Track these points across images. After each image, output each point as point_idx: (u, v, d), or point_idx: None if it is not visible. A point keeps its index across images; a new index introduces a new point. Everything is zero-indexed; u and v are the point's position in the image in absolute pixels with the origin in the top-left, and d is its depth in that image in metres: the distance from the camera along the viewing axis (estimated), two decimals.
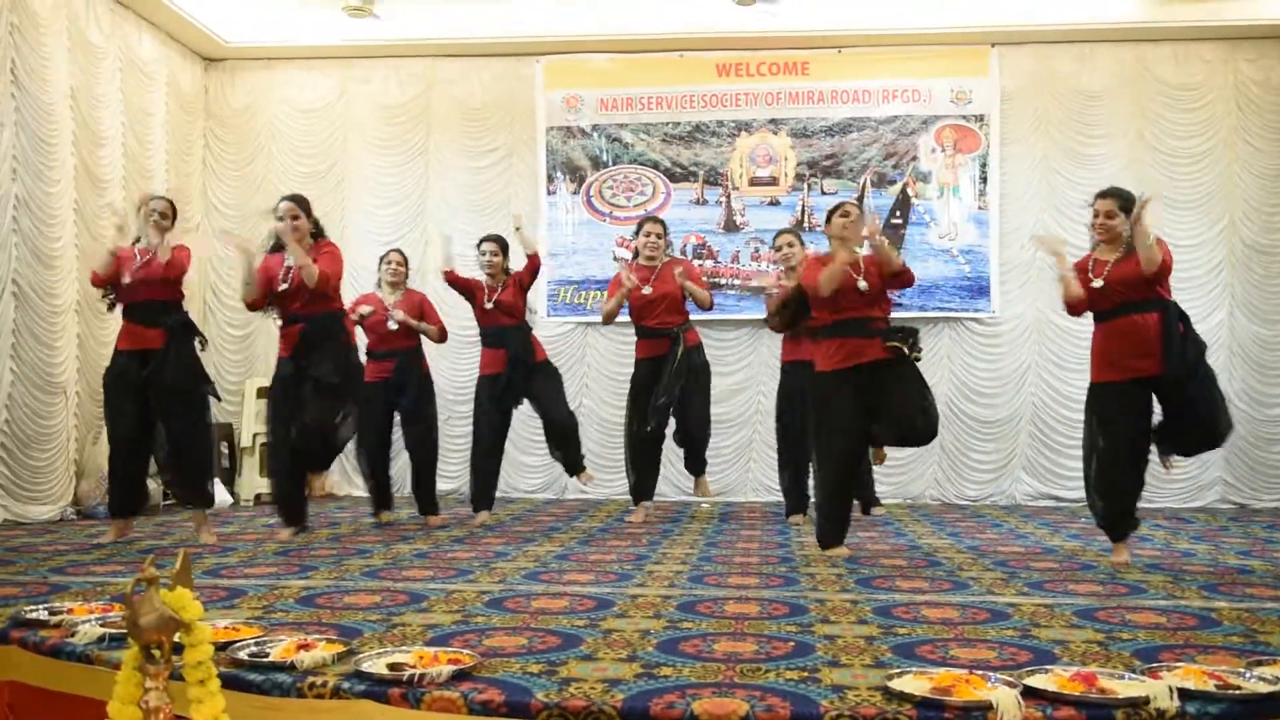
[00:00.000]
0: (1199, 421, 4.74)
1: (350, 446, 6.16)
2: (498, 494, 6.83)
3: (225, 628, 3.02)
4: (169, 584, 2.07)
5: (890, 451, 5.42)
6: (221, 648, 2.63)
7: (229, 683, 2.41)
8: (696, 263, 8.67)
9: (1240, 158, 8.46)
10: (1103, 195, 4.91)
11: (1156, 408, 4.85)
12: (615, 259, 8.74)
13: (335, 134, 9.08)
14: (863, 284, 4.91)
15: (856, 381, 4.90)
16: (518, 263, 6.61)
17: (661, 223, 6.59)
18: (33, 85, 6.74)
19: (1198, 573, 4.55)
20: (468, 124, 9.01)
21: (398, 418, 6.57)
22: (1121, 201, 4.83)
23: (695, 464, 6.70)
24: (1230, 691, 2.38)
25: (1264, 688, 2.41)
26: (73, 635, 2.98)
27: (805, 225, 8.66)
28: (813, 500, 6.07)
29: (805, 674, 2.64)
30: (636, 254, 6.50)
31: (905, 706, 2.31)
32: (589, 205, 8.91)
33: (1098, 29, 8.39)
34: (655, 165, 8.88)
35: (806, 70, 8.77)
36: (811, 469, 6.18)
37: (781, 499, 6.88)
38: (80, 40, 7.26)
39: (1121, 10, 8.19)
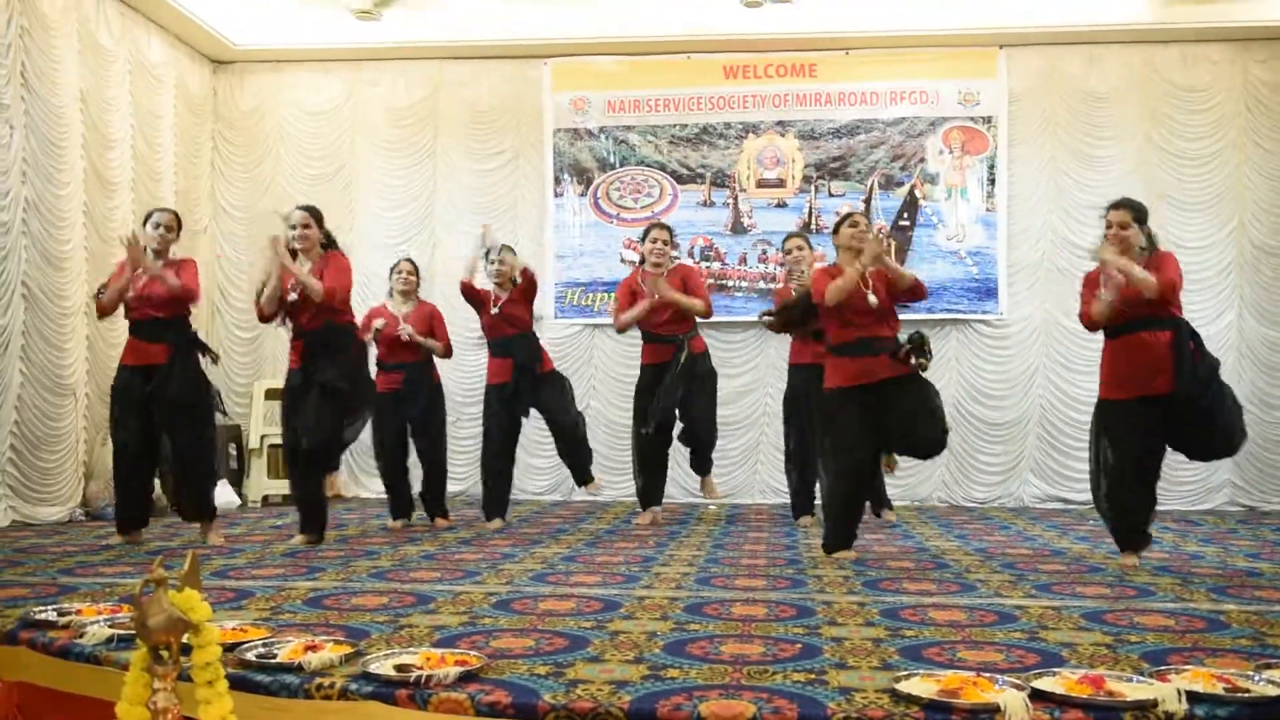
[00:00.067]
0: (1213, 433, 4.70)
1: (362, 447, 6.15)
2: None
3: (233, 629, 3.03)
4: (177, 585, 2.08)
5: (901, 457, 5.40)
6: (229, 649, 2.63)
7: (237, 684, 2.42)
8: (703, 264, 8.69)
9: (1249, 159, 8.43)
10: (1116, 206, 4.85)
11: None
12: (622, 260, 8.76)
13: (343, 136, 9.10)
14: (873, 299, 4.89)
15: (864, 399, 4.89)
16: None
17: (668, 229, 6.58)
18: (42, 88, 6.77)
19: (1206, 575, 4.54)
20: (475, 126, 9.02)
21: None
22: (1135, 213, 4.80)
23: (701, 464, 6.70)
24: (1239, 694, 2.37)
25: (1272, 691, 2.40)
26: (81, 636, 2.98)
27: (812, 227, 8.65)
28: (819, 503, 6.09)
29: (812, 676, 2.64)
30: (643, 260, 6.50)
31: (912, 709, 2.31)
32: (596, 207, 8.92)
33: (1106, 30, 8.37)
34: (662, 167, 8.88)
35: (814, 72, 8.77)
36: (819, 476, 6.19)
37: (789, 500, 6.88)
38: (90, 43, 7.28)
39: (1130, 11, 8.17)
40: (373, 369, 6.28)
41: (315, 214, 5.60)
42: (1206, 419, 4.65)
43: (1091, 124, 8.58)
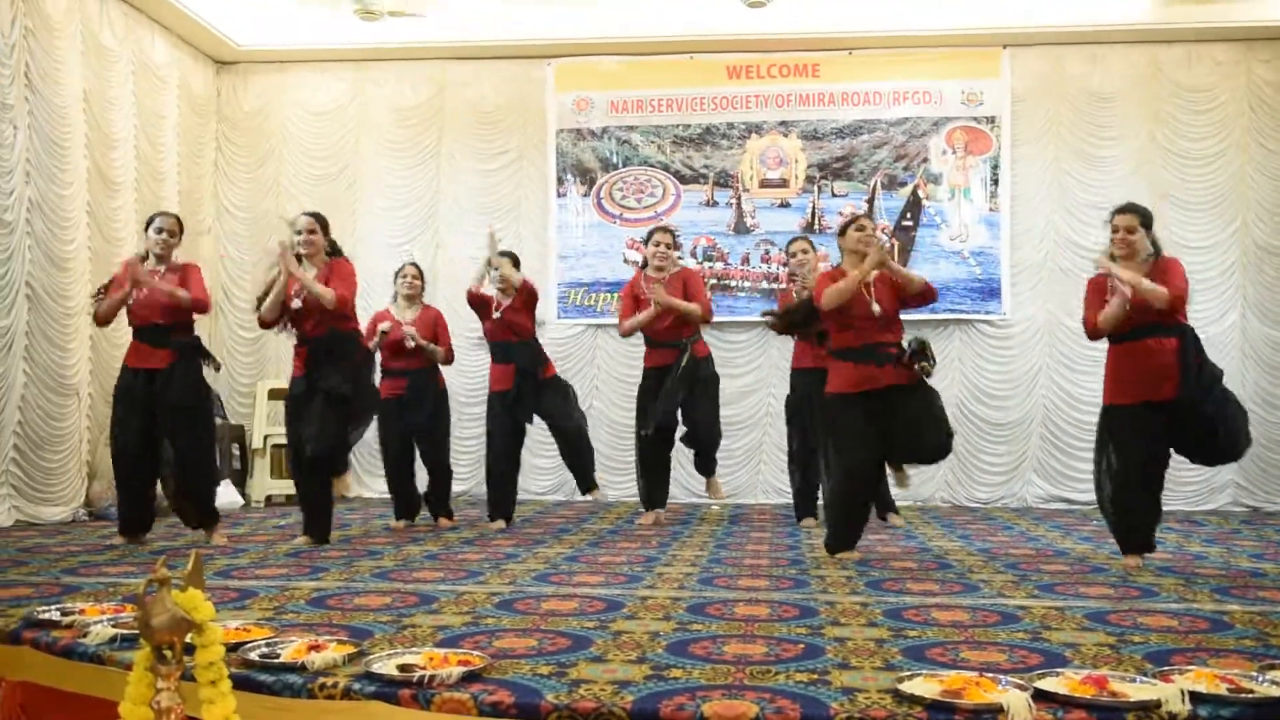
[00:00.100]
0: (1217, 437, 4.69)
1: (367, 448, 6.15)
2: None
3: (236, 629, 3.03)
4: (181, 585, 2.08)
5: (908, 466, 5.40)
6: (233, 648, 2.63)
7: (240, 683, 2.42)
8: (706, 265, 8.69)
9: (1253, 159, 8.42)
10: (1122, 211, 4.84)
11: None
12: (625, 261, 8.76)
13: (347, 137, 9.11)
14: (876, 307, 4.88)
15: (867, 405, 4.88)
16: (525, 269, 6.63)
17: (672, 232, 6.58)
18: (46, 88, 6.78)
19: (1210, 576, 4.53)
20: (479, 127, 9.03)
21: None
22: (1141, 217, 4.80)
23: (705, 465, 6.70)
24: (1242, 695, 2.37)
25: (1276, 691, 2.40)
26: (85, 636, 2.99)
27: (815, 227, 8.65)
28: (821, 503, 6.08)
29: (815, 676, 2.64)
30: (646, 264, 6.50)
31: (915, 709, 2.31)
32: (599, 207, 8.92)
33: (1109, 30, 8.36)
34: (665, 167, 8.88)
35: (817, 72, 8.77)
36: (822, 478, 6.18)
37: (791, 501, 6.87)
38: (93, 44, 7.29)
39: (1133, 11, 8.16)
40: (377, 374, 6.29)
41: (321, 220, 5.62)
42: (1210, 424, 4.64)
43: (1095, 124, 8.57)
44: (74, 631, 3.07)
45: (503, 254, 6.55)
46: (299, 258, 5.49)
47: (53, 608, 3.38)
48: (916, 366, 4.85)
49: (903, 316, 5.11)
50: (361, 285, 6.23)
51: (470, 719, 2.39)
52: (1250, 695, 2.37)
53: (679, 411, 6.42)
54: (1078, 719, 2.27)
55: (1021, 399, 8.56)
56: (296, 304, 5.45)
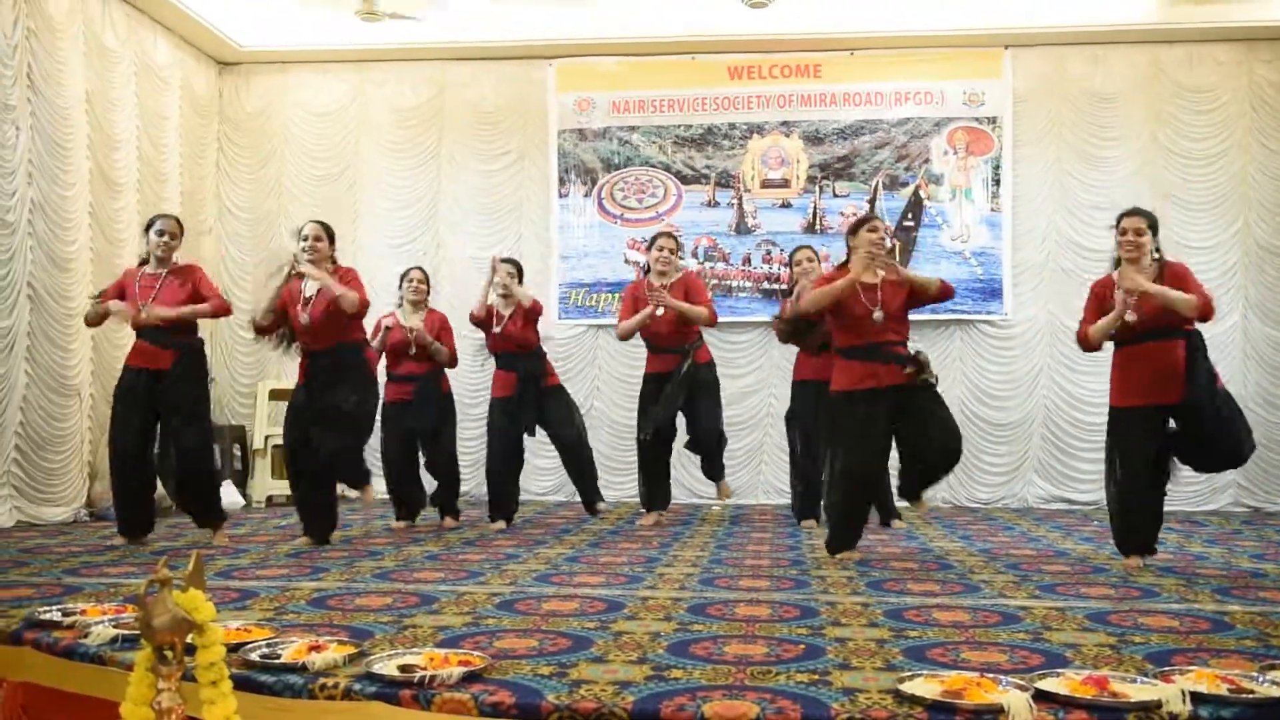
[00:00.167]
0: (1218, 441, 4.68)
1: (369, 449, 6.15)
2: None
3: (237, 629, 3.03)
4: (182, 585, 2.08)
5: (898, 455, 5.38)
6: (234, 649, 2.64)
7: (241, 684, 2.42)
8: (707, 265, 8.69)
9: (1255, 160, 8.42)
10: (1129, 214, 4.84)
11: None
12: (626, 261, 8.76)
13: (348, 137, 9.11)
14: (878, 314, 4.86)
15: (871, 405, 4.86)
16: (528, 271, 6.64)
17: (675, 237, 6.58)
18: (48, 89, 6.78)
19: (1211, 576, 4.53)
20: (480, 127, 9.04)
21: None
22: (1148, 220, 4.80)
23: (712, 469, 6.68)
24: (1243, 695, 2.37)
25: (1277, 691, 2.40)
26: (86, 636, 2.99)
27: (817, 228, 8.66)
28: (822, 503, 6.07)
29: (816, 677, 2.64)
30: (648, 269, 6.50)
31: (916, 710, 2.30)
32: (600, 208, 8.92)
33: (1111, 31, 8.36)
34: (667, 168, 8.89)
35: (818, 73, 8.77)
36: (824, 483, 6.18)
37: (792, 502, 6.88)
38: (96, 45, 7.30)
39: (1135, 12, 8.16)
40: (381, 378, 6.28)
41: (327, 228, 5.64)
42: (1211, 440, 4.63)
43: (1097, 124, 8.58)
44: (75, 632, 3.07)
45: (506, 260, 6.55)
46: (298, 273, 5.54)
47: (54, 608, 3.38)
48: (918, 380, 4.84)
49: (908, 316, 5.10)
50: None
51: (471, 719, 2.39)
52: (1251, 696, 2.37)
53: (681, 416, 6.43)
54: (1078, 719, 2.27)
55: (1023, 399, 8.56)
56: (305, 319, 5.45)
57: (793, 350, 6.76)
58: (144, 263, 5.58)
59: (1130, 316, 4.68)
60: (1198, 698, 2.33)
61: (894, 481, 6.43)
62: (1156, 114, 8.51)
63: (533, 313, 6.42)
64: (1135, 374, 4.75)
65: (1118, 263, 4.90)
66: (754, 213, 8.82)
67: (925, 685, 2.43)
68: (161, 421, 5.45)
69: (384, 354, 6.44)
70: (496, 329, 6.37)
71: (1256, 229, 8.38)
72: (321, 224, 5.64)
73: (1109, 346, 4.96)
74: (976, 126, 8.64)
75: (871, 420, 4.86)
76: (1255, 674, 2.56)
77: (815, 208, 8.76)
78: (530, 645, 3.02)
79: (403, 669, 2.57)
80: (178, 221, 5.64)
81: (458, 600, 3.81)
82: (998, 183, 8.61)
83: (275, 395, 8.58)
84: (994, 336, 8.62)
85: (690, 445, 6.61)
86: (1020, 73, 8.63)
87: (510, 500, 6.53)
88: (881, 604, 3.75)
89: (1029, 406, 8.55)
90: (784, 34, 8.44)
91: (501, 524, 6.38)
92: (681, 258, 6.77)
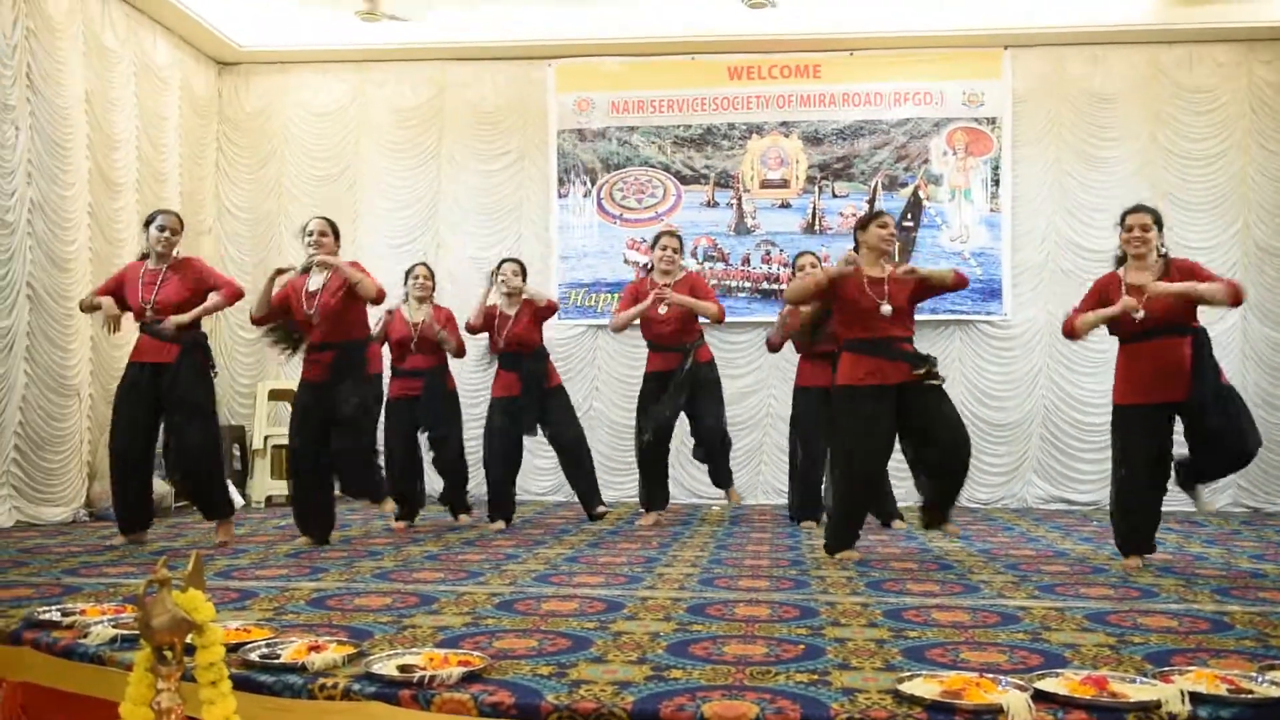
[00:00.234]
0: (1225, 446, 4.68)
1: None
2: None
3: (237, 629, 3.03)
4: (181, 586, 2.08)
5: (898, 455, 5.36)
6: (233, 649, 2.64)
7: (240, 684, 2.42)
8: (707, 265, 8.69)
9: (1254, 160, 8.42)
10: (1135, 210, 4.85)
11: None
12: (626, 261, 8.77)
13: (348, 137, 9.11)
14: (886, 308, 4.85)
15: (876, 401, 4.85)
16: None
17: (678, 236, 6.58)
18: (48, 89, 6.78)
19: (1210, 576, 4.53)
20: (480, 127, 9.04)
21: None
22: (1154, 217, 4.81)
23: (719, 476, 6.67)
24: (1242, 695, 2.37)
25: (1276, 692, 2.40)
26: (85, 636, 2.99)
27: (816, 228, 8.66)
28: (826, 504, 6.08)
29: (815, 677, 2.64)
30: (651, 268, 6.50)
31: (916, 710, 2.31)
32: (600, 208, 8.92)
33: (1111, 31, 8.37)
34: (666, 168, 8.89)
35: (818, 73, 8.77)
36: (825, 481, 6.19)
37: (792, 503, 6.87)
38: (95, 45, 7.30)
39: (1135, 12, 8.16)
40: (386, 374, 6.29)
41: (332, 224, 5.68)
42: (1218, 437, 4.62)
43: (1096, 125, 8.58)
44: (74, 632, 3.07)
45: (509, 260, 6.56)
46: (309, 260, 5.56)
47: (53, 608, 3.38)
48: (925, 380, 4.84)
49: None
50: None
51: (470, 719, 2.39)
52: (1250, 696, 2.37)
53: (683, 418, 6.43)
54: (1077, 719, 2.27)
55: (1022, 400, 8.56)
56: (311, 312, 5.46)
57: (793, 351, 6.77)
58: (144, 258, 5.59)
59: (1138, 314, 4.68)
60: (1197, 698, 2.33)
61: (893, 485, 6.53)
62: (1156, 114, 8.51)
63: (546, 311, 6.44)
64: (1140, 371, 4.75)
65: (1121, 260, 4.91)
66: (753, 213, 8.82)
67: (924, 685, 2.43)
68: (166, 416, 5.45)
69: (385, 345, 6.43)
70: (500, 330, 6.37)
71: (1256, 230, 8.39)
72: (326, 219, 5.69)
73: (1113, 344, 4.97)
74: (976, 127, 8.64)
75: (875, 418, 4.85)
76: (1254, 674, 2.56)
77: (814, 208, 8.76)
78: (530, 645, 3.02)
79: (402, 669, 2.57)
80: (178, 217, 5.65)
81: (457, 600, 3.81)
82: (997, 183, 8.61)
83: (275, 395, 8.58)
84: (993, 337, 8.62)
85: (696, 453, 6.62)
86: (1020, 73, 8.63)
87: (510, 500, 6.53)
88: (881, 604, 3.75)
89: (1028, 407, 8.56)
90: (784, 34, 8.44)
91: (501, 524, 6.38)
92: (683, 252, 6.76)
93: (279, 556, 5.09)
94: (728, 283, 8.71)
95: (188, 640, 2.08)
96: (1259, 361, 8.34)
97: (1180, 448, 4.88)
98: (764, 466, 8.68)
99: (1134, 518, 4.83)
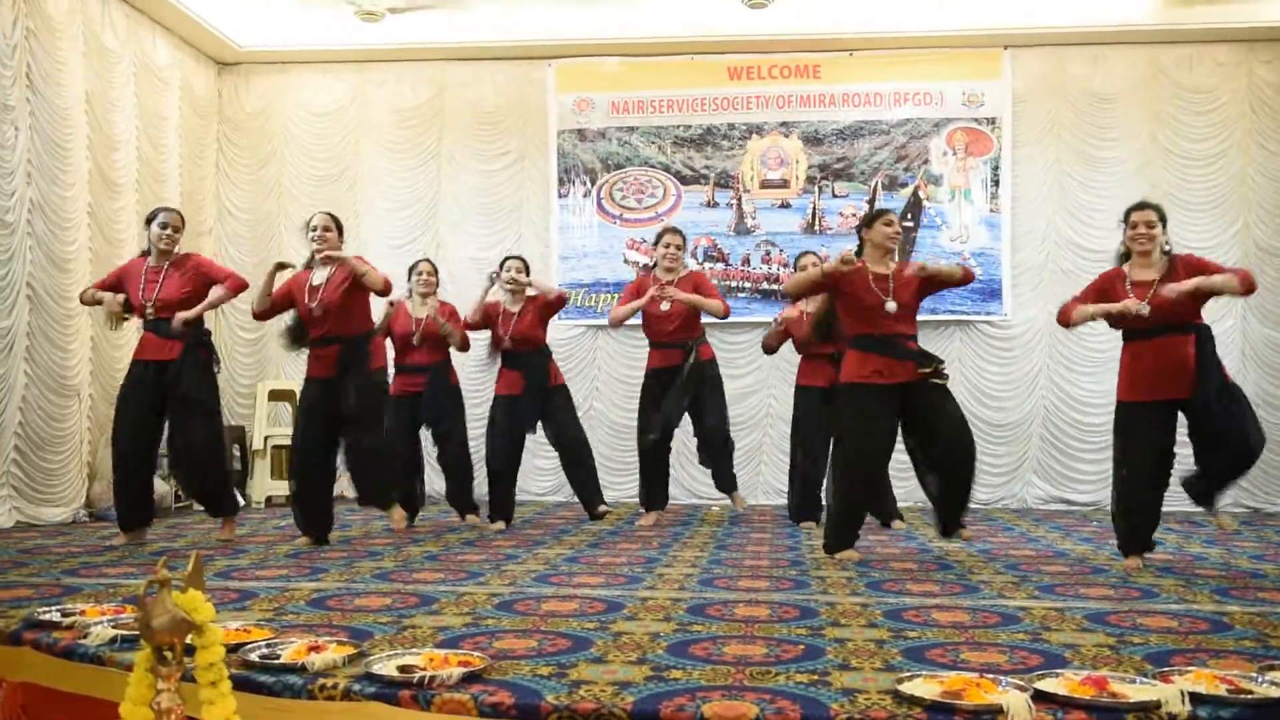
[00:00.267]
0: (1229, 445, 4.67)
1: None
2: None
3: (237, 630, 3.04)
4: (181, 586, 2.08)
5: (899, 455, 5.36)
6: (233, 649, 2.64)
7: (240, 684, 2.43)
8: (707, 265, 8.69)
9: (1254, 161, 8.42)
10: (1139, 207, 4.85)
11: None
12: (626, 262, 8.77)
13: (348, 137, 9.11)
14: (891, 305, 4.86)
15: (879, 399, 4.85)
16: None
17: (681, 234, 6.58)
18: (48, 90, 6.78)
19: (1210, 577, 4.53)
20: (480, 127, 9.04)
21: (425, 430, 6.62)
22: (1159, 213, 4.81)
23: (724, 481, 6.66)
24: (1242, 696, 2.37)
25: (1276, 692, 2.40)
26: (85, 637, 2.99)
27: (816, 228, 8.66)
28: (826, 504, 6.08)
29: (815, 677, 2.64)
30: (655, 265, 6.50)
31: (915, 710, 2.31)
32: (600, 208, 8.92)
33: (1111, 31, 8.37)
34: (666, 168, 8.89)
35: (818, 73, 8.77)
36: (826, 478, 6.18)
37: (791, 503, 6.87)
38: (95, 45, 7.30)
39: (1135, 12, 8.16)
40: (390, 370, 6.29)
41: (336, 220, 5.71)
42: (1223, 423, 4.62)
43: (1096, 125, 8.58)
44: (74, 632, 3.07)
45: (513, 258, 6.56)
46: (311, 256, 5.57)
47: (53, 609, 3.38)
48: (930, 378, 4.85)
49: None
50: None
51: (470, 719, 2.40)
52: (1250, 696, 2.37)
53: (687, 417, 6.44)
54: (1077, 719, 2.28)
55: (1022, 400, 8.57)
56: (313, 306, 5.47)
57: (794, 351, 6.78)
58: (145, 255, 5.60)
59: (1144, 310, 4.67)
60: (1196, 698, 2.33)
61: (893, 485, 6.54)
62: (1156, 115, 8.51)
63: (556, 304, 6.45)
64: (1144, 369, 4.74)
65: (1125, 256, 4.90)
66: (753, 213, 8.83)
67: (924, 686, 2.43)
68: (170, 414, 5.45)
69: (388, 338, 6.43)
70: (505, 327, 6.36)
71: (1256, 230, 8.39)
72: (330, 215, 5.71)
73: (1113, 345, 4.97)
74: (976, 127, 8.64)
75: (878, 417, 4.86)
76: (1254, 674, 2.56)
77: (814, 208, 8.76)
78: (530, 646, 3.02)
79: (402, 669, 2.57)
80: (180, 215, 5.67)
81: (457, 601, 3.81)
82: (997, 183, 8.61)
83: (275, 396, 8.58)
84: (993, 337, 8.62)
85: (701, 458, 6.62)
86: (1019, 73, 8.63)
87: (510, 500, 6.52)
88: (881, 604, 3.75)
89: (1028, 407, 8.56)
90: (783, 34, 8.44)
91: (501, 524, 6.38)
92: (686, 250, 6.76)
93: (279, 557, 5.09)
94: (728, 283, 8.71)
95: (188, 641, 2.08)
96: (1259, 361, 8.34)
97: (1185, 458, 4.88)
98: (764, 467, 8.68)
99: (1135, 517, 4.82)
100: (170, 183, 8.23)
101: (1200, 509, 5.12)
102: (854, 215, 8.63)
